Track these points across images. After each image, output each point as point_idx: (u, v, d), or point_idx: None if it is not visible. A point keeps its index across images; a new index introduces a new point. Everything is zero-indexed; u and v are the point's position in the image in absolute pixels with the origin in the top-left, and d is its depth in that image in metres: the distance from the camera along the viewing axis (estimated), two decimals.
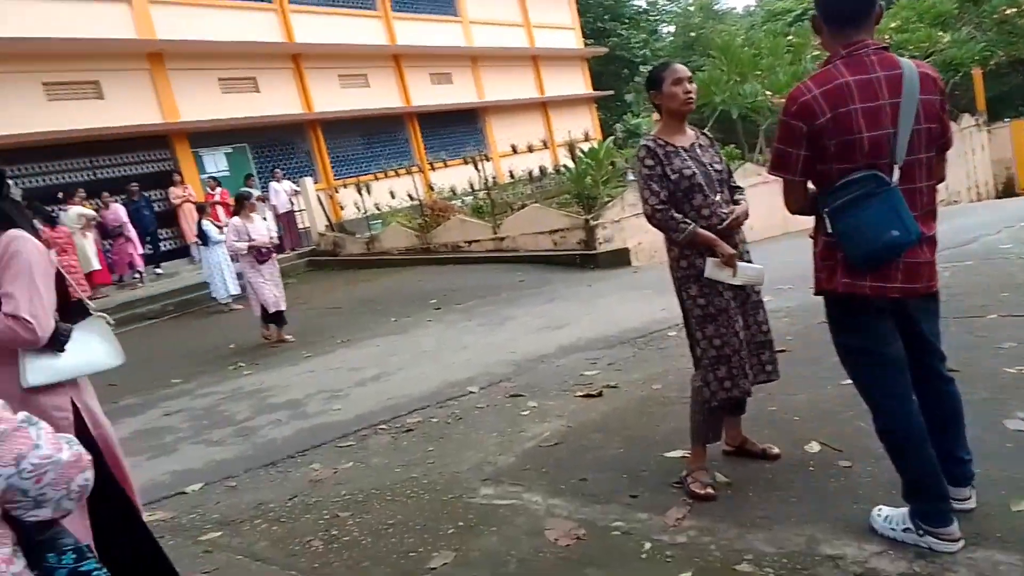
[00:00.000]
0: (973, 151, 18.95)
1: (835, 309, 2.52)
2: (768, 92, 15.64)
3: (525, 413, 4.67)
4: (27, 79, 13.33)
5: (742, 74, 16.07)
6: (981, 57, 20.11)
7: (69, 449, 1.06)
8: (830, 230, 2.38)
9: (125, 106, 14.58)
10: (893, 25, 20.51)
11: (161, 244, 15.13)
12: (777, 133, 2.42)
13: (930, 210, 2.38)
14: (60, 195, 13.12)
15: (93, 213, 12.83)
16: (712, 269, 3.02)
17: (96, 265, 12.52)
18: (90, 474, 1.09)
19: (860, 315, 2.41)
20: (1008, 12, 22.12)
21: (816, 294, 2.55)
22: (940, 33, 19.93)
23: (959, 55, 19.53)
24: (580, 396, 4.80)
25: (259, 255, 8.25)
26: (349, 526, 3.45)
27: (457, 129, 22.62)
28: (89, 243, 12.38)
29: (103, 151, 14.56)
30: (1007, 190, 19.02)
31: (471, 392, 5.36)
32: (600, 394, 4.75)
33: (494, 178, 18.88)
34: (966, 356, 3.92)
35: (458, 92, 22.57)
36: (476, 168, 15.64)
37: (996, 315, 4.88)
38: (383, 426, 4.93)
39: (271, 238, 8.56)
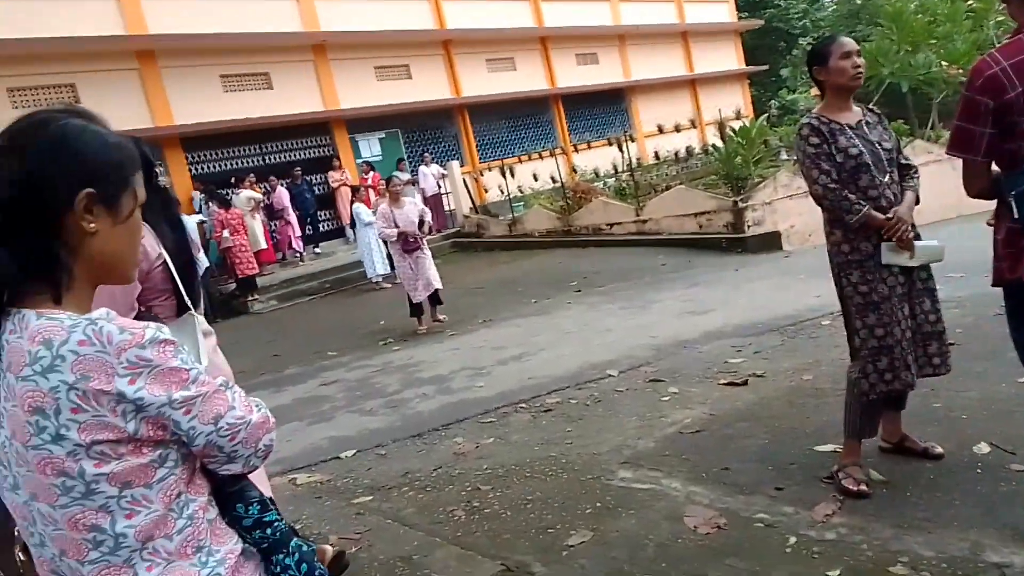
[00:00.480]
0: None
1: (1015, 301, 2.30)
2: (944, 63, 14.37)
3: (666, 399, 4.60)
4: (206, 72, 14.61)
5: (914, 43, 14.85)
6: None
7: (258, 412, 1.18)
8: (1016, 215, 2.17)
9: (291, 95, 15.65)
10: None
11: (320, 225, 16.15)
12: (959, 110, 2.23)
13: None
14: (232, 180, 14.31)
15: (261, 196, 13.89)
16: (888, 254, 2.85)
17: (263, 244, 13.56)
18: (275, 435, 1.21)
19: None
20: None
21: (994, 285, 2.34)
22: None
23: None
24: (724, 384, 4.66)
25: (405, 243, 8.04)
26: (490, 499, 3.56)
27: (602, 110, 22.44)
28: (257, 224, 13.42)
29: (271, 138, 15.72)
30: None
31: (611, 375, 5.35)
32: (745, 383, 4.60)
33: (638, 159, 18.62)
34: None
35: (604, 72, 22.36)
36: (620, 149, 15.48)
37: None
38: (523, 404, 5.03)
39: (425, 224, 8.26)
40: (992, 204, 2.36)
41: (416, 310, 8.29)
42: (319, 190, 16.15)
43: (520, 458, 4.03)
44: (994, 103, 2.11)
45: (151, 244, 2.29)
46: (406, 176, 13.02)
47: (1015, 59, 2.08)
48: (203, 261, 9.13)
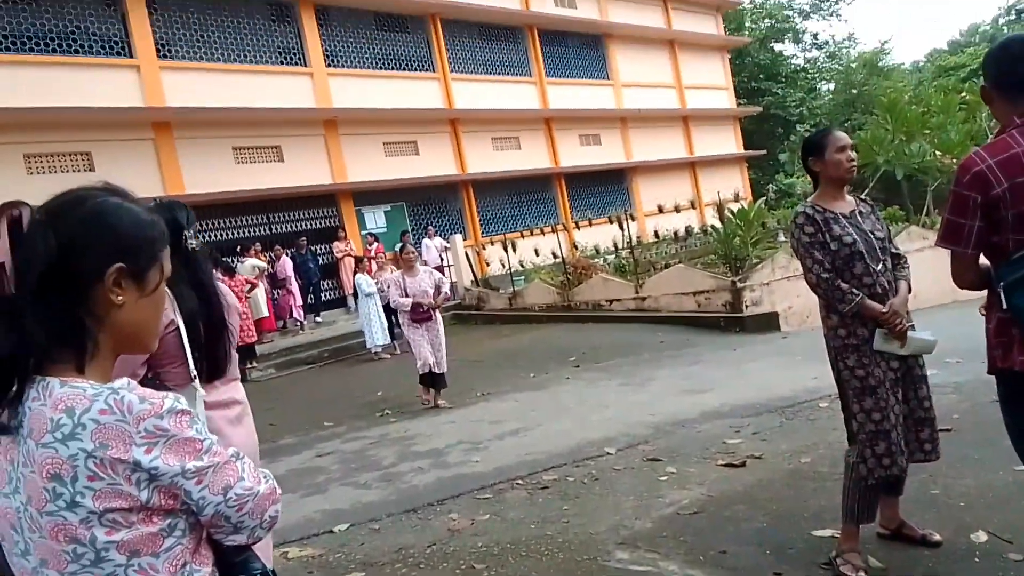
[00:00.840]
0: None
1: (1009, 390, 2.34)
2: (938, 152, 14.74)
3: (663, 478, 4.58)
4: (220, 144, 15.01)
5: (909, 133, 15.27)
6: None
7: (266, 483, 1.21)
8: (1005, 306, 2.24)
9: (301, 167, 16.04)
10: None
11: (323, 294, 16.26)
12: (948, 204, 2.32)
13: None
14: (238, 248, 14.50)
15: (265, 265, 14.05)
16: (881, 341, 2.92)
17: (265, 312, 13.62)
18: (280, 506, 1.23)
19: None
20: None
21: (989, 373, 2.38)
22: None
23: None
24: (722, 465, 4.64)
25: (416, 312, 7.84)
26: None
27: (603, 188, 22.91)
28: (260, 292, 13.52)
29: (278, 208, 16.02)
30: None
31: (608, 453, 5.32)
32: (744, 464, 4.58)
33: (638, 237, 18.88)
34: None
35: (606, 153, 22.93)
36: (620, 227, 15.72)
37: None
38: (520, 481, 4.99)
39: (442, 293, 8.10)
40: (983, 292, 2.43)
41: (426, 379, 8.02)
42: (324, 260, 16.34)
43: (516, 536, 3.99)
44: (982, 198, 2.20)
45: (169, 306, 2.24)
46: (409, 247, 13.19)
47: (1000, 157, 2.18)
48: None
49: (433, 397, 8.04)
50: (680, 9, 25.97)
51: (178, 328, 2.31)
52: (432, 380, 8.00)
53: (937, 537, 3.07)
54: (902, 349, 2.92)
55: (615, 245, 17.60)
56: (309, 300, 15.60)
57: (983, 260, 2.34)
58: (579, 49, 22.76)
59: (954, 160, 14.08)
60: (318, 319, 15.66)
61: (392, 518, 4.64)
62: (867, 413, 2.92)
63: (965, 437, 4.19)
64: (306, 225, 16.45)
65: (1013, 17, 46.31)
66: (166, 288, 1.26)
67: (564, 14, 21.89)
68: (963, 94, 17.82)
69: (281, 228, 16.12)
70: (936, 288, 8.75)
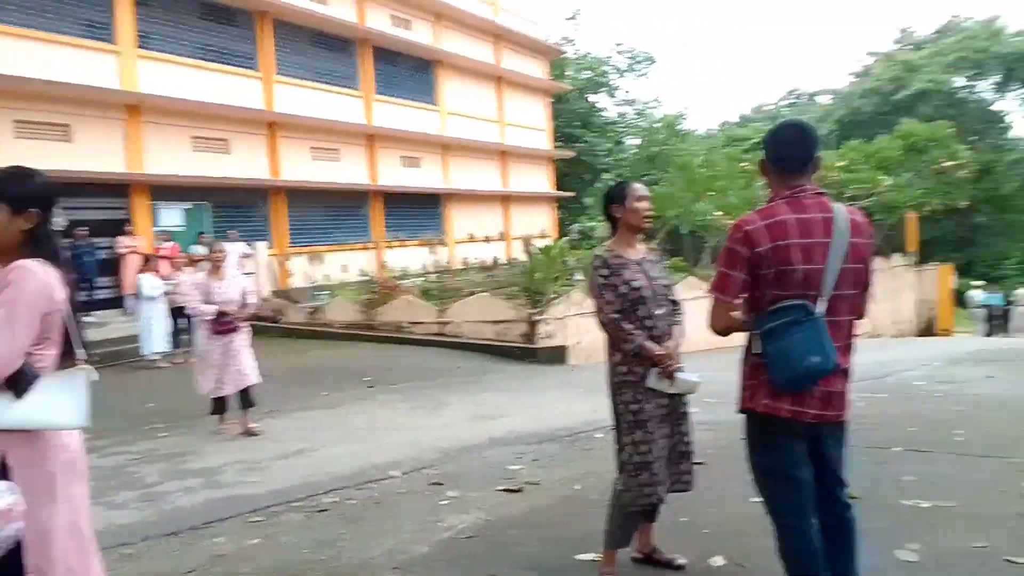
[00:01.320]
0: (901, 290, 19.92)
1: (754, 428, 2.62)
2: (719, 212, 16.40)
3: (445, 503, 4.61)
4: None
5: (696, 193, 16.89)
6: (917, 203, 21.47)
7: (2, 499, 1.07)
8: (758, 351, 2.51)
9: (92, 151, 14.48)
10: (840, 164, 21.89)
11: (99, 292, 14.74)
12: (721, 257, 2.58)
13: (848, 343, 2.54)
14: None
15: None
16: (654, 379, 3.16)
17: None
18: (18, 526, 1.09)
19: (776, 436, 2.53)
20: (947, 164, 23.83)
21: (738, 412, 2.65)
22: (882, 176, 21.30)
23: (897, 199, 20.84)
24: (501, 490, 4.76)
25: (219, 324, 6.81)
26: None
27: (419, 211, 22.95)
28: None
29: (59, 192, 14.31)
30: (927, 330, 19.91)
31: (393, 476, 5.27)
32: (521, 490, 4.73)
33: (447, 263, 19.11)
34: (868, 485, 4.05)
35: (425, 176, 23.05)
36: (431, 251, 15.83)
37: (902, 448, 5.07)
38: (297, 503, 4.79)
39: (248, 305, 7.03)
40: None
41: (219, 406, 6.97)
42: (105, 254, 14.83)
43: (286, 561, 3.81)
44: (749, 254, 2.48)
45: (58, 282, 2.18)
46: (203, 249, 12.32)
47: (768, 221, 2.48)
48: None
49: (243, 421, 6.94)
50: (510, 49, 26.96)
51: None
52: (241, 398, 6.92)
53: (682, 561, 3.36)
54: (671, 388, 3.19)
55: (424, 268, 17.68)
56: (83, 296, 14.06)
57: (737, 314, 2.62)
58: (409, 71, 22.81)
59: (732, 221, 15.76)
60: (89, 318, 14.15)
61: (148, 542, 4.26)
62: (636, 445, 3.15)
63: (716, 471, 4.62)
64: (90, 215, 14.84)
65: (792, 100, 53.12)
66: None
67: (398, 34, 21.86)
68: (745, 164, 20.09)
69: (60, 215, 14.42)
70: (708, 333, 9.67)
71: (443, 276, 15.11)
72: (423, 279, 17.20)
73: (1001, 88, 39.00)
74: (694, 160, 20.00)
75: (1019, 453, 4.89)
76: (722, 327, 2.64)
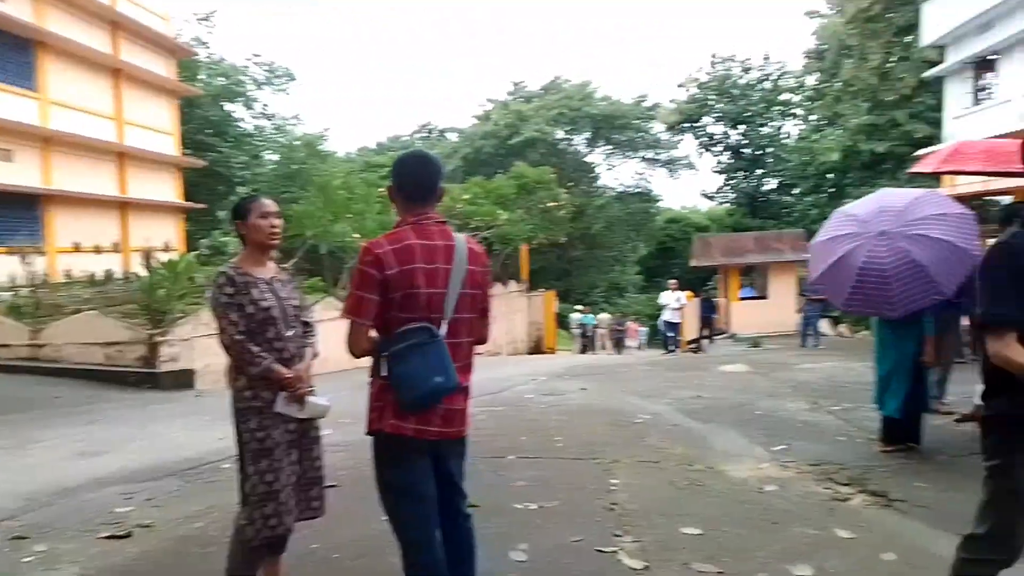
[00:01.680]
0: (515, 313, 22.44)
1: (381, 448, 2.68)
2: (356, 234, 16.67)
3: (28, 559, 3.88)
4: None
5: (335, 214, 16.95)
6: (528, 236, 24.37)
7: None
8: (385, 373, 2.57)
9: None
10: (466, 197, 23.92)
11: None
12: (354, 280, 2.59)
13: (468, 363, 2.74)
14: None
15: None
16: (282, 403, 3.04)
17: None
18: None
19: (403, 454, 2.61)
20: (551, 204, 27.51)
21: (367, 433, 2.68)
22: (500, 211, 23.76)
23: (512, 232, 23.44)
24: (104, 538, 4.17)
25: None
26: None
27: (9, 213, 19.23)
28: None
29: None
30: (536, 348, 22.74)
31: None
32: (129, 535, 4.19)
33: (46, 276, 16.38)
34: (486, 492, 4.42)
35: (19, 173, 19.39)
36: (24, 261, 13.39)
37: (514, 456, 5.66)
38: None
39: None
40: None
41: None
42: None
43: None
44: (379, 276, 2.52)
45: None
46: None
47: (396, 246, 2.56)
48: None
49: None
50: (131, 41, 24.14)
51: None
52: None
53: None
54: (300, 412, 3.10)
55: (13, 281, 14.87)
56: None
57: (373, 333, 2.67)
58: (2, 49, 19.09)
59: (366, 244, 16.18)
60: None
61: None
62: (261, 474, 2.99)
63: (348, 492, 4.62)
64: None
65: (425, 134, 56.49)
66: None
67: None
68: (381, 189, 20.74)
69: None
70: (345, 353, 9.72)
71: (40, 290, 12.83)
72: (11, 294, 14.42)
73: (591, 143, 46.37)
74: (333, 181, 20.07)
75: (605, 454, 5.77)
76: (360, 350, 2.68)
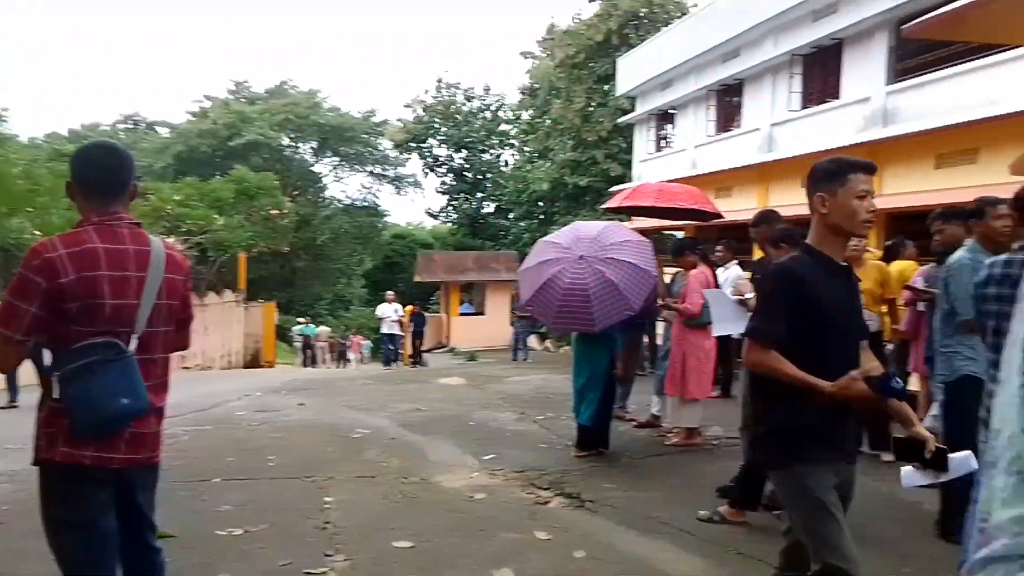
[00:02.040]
0: (231, 324, 21.07)
1: (49, 479, 2.35)
2: (38, 231, 14.55)
3: None
4: None
5: (13, 207, 14.67)
6: (247, 243, 23.06)
7: None
8: (58, 395, 2.26)
9: None
10: (177, 199, 21.98)
11: None
12: (12, 286, 2.23)
13: (163, 381, 2.49)
14: None
15: None
16: None
17: None
18: None
19: (77, 486, 2.32)
20: (273, 212, 26.34)
21: (34, 464, 2.34)
22: (216, 216, 22.20)
23: (230, 238, 22.01)
24: None
25: None
26: None
27: None
28: None
29: None
30: (254, 361, 21.58)
31: None
32: None
33: None
34: (185, 520, 4.12)
35: None
36: None
37: (220, 479, 5.33)
38: None
39: None
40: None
41: None
42: None
43: None
44: (47, 285, 2.20)
45: None
46: None
47: (74, 249, 2.24)
48: None
49: None
50: None
51: None
52: None
53: None
54: None
55: None
56: None
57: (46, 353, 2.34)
58: None
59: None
60: None
61: None
62: None
63: (16, 528, 4.03)
64: None
65: (130, 126, 50.85)
66: None
67: None
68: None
69: None
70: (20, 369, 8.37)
71: None
72: None
73: (318, 153, 45.32)
74: (12, 169, 17.24)
75: (321, 472, 5.65)
76: (9, 367, 2.34)
